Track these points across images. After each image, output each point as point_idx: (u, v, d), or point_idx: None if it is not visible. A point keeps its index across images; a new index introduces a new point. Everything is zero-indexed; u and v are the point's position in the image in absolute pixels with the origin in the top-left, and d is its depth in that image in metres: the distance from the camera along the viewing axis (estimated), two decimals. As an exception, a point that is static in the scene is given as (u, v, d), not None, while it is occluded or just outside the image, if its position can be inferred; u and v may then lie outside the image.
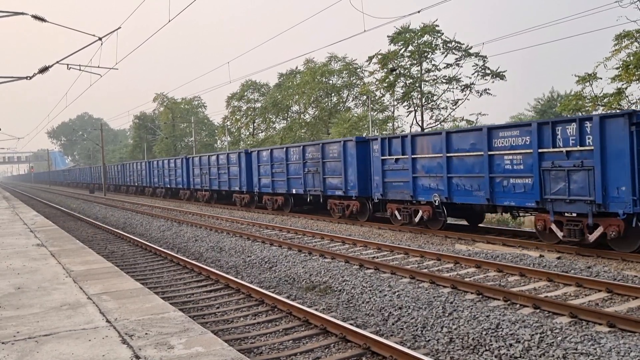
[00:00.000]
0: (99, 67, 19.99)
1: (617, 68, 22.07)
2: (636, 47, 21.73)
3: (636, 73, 21.14)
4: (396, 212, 17.19)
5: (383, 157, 17.35)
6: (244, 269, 12.14)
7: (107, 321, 5.50)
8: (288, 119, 48.47)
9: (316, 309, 8.11)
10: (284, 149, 24.16)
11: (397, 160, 16.93)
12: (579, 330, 6.77)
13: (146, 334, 5.02)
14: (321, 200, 21.52)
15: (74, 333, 5.15)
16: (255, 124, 53.38)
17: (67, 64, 19.23)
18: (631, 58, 21.40)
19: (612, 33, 28.19)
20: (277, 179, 24.25)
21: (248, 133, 54.29)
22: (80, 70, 19.72)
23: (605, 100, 22.71)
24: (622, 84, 21.96)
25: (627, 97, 22.30)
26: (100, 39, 16.57)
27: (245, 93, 52.78)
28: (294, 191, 23.18)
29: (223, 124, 56.29)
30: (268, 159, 24.97)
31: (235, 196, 29.25)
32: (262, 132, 52.51)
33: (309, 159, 21.88)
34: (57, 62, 18.05)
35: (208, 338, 4.90)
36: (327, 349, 6.58)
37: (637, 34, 21.55)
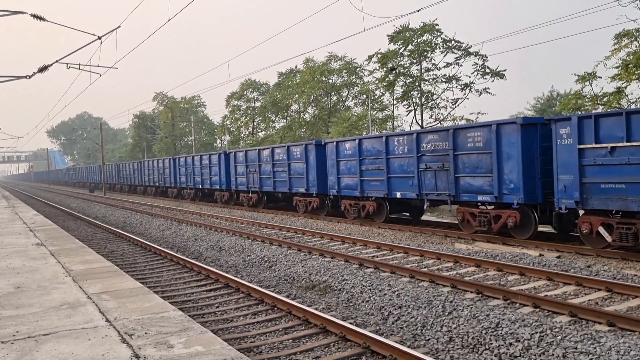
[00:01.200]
0: (98, 66, 20.01)
1: (616, 67, 22.07)
2: (636, 46, 21.73)
3: (636, 72, 21.14)
4: (348, 207, 19.09)
5: (338, 159, 19.42)
6: (243, 268, 12.14)
7: (107, 320, 5.50)
8: (288, 118, 48.46)
9: (316, 308, 8.11)
10: (257, 150, 26.04)
11: (347, 161, 18.99)
12: (578, 329, 6.77)
13: (146, 333, 5.02)
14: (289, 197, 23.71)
15: (73, 332, 5.14)
16: (254, 123, 53.36)
17: (67, 63, 19.23)
18: (631, 57, 21.40)
19: (612, 32, 28.21)
20: (251, 178, 26.25)
21: (248, 132, 54.28)
22: (79, 69, 19.72)
23: (605, 99, 22.72)
24: (622, 83, 21.96)
25: (627, 96, 22.31)
26: (99, 38, 16.56)
27: (245, 92, 52.76)
28: (265, 189, 25.17)
29: (222, 123, 56.28)
30: (244, 159, 26.91)
31: (217, 194, 31.22)
32: (261, 131, 52.50)
33: (277, 160, 23.75)
34: (57, 61, 18.04)
35: (208, 337, 4.89)
36: (326, 348, 6.58)
37: (637, 33, 21.55)
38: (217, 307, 8.75)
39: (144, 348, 4.59)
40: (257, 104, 52.58)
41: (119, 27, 16.44)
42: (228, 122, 54.74)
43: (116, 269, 8.62)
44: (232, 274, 11.07)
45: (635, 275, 9.49)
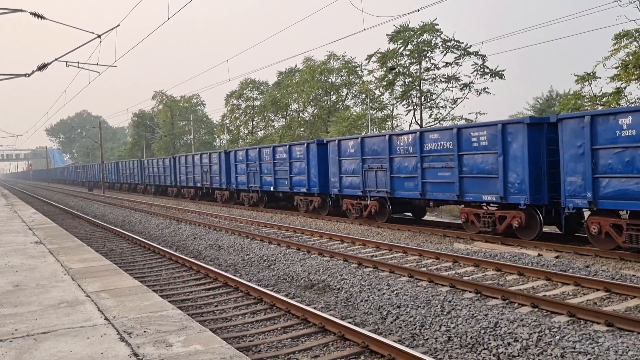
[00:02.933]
0: (97, 64, 19.99)
1: (616, 67, 22.09)
2: (635, 47, 21.75)
3: (635, 72, 21.15)
4: (350, 207, 19.09)
5: (340, 158, 19.34)
6: (242, 267, 12.14)
7: (106, 319, 5.50)
8: (287, 117, 48.45)
9: (315, 308, 8.12)
10: (257, 149, 25.87)
11: (350, 160, 18.98)
12: (577, 329, 6.78)
13: (145, 331, 5.02)
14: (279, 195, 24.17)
15: (72, 331, 5.14)
16: (254, 122, 53.35)
17: (66, 62, 19.22)
18: (630, 57, 21.42)
19: (612, 32, 28.22)
20: (252, 177, 26.12)
21: (247, 131, 54.26)
22: (79, 67, 19.71)
23: (604, 99, 22.74)
24: (621, 84, 21.98)
25: (626, 96, 22.34)
26: (99, 36, 16.55)
27: (244, 91, 52.74)
28: (265, 188, 25.02)
29: (222, 122, 56.26)
30: (244, 158, 26.77)
31: (217, 193, 30.95)
32: (261, 130, 52.49)
33: (278, 160, 23.64)
34: (56, 59, 18.02)
35: (206, 336, 4.90)
36: (325, 348, 6.58)
37: (636, 34, 21.57)
38: (216, 306, 8.75)
39: (143, 346, 4.59)
40: (257, 103, 52.57)
41: (118, 25, 16.44)
42: (227, 121, 54.72)
43: (115, 267, 8.62)
44: (231, 273, 11.07)
45: (634, 275, 9.50)
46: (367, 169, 18.05)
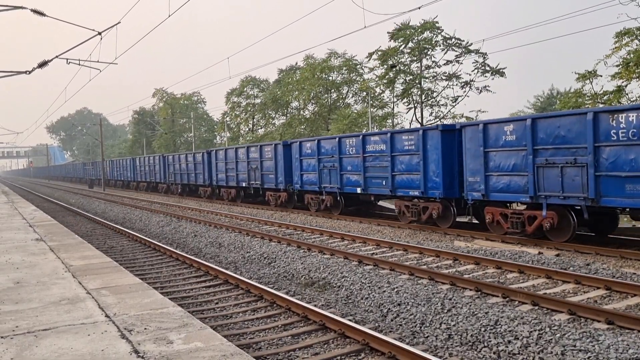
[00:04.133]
0: (98, 61, 19.97)
1: (617, 65, 22.08)
2: (636, 45, 21.72)
3: (636, 71, 21.14)
4: (310, 201, 21.40)
5: (301, 158, 21.70)
6: (243, 264, 12.14)
7: (106, 316, 5.50)
8: (287, 115, 48.44)
9: (315, 305, 8.12)
10: (234, 149, 28.44)
11: (308, 159, 21.31)
12: (577, 327, 6.78)
13: (145, 329, 5.02)
14: (260, 192, 25.81)
15: (73, 328, 5.15)
16: (254, 120, 53.35)
17: (67, 59, 19.19)
18: (631, 56, 21.40)
19: (613, 30, 28.16)
20: (230, 174, 28.51)
21: (247, 129, 54.26)
22: (79, 65, 19.70)
23: (605, 97, 22.71)
24: (622, 82, 21.96)
25: (627, 94, 22.31)
26: (99, 33, 16.53)
27: (245, 89, 52.73)
28: (241, 184, 27.45)
29: (222, 119, 56.24)
30: (223, 157, 29.15)
31: (201, 189, 33.39)
32: (261, 128, 52.50)
33: (252, 158, 25.95)
34: (57, 56, 18.01)
35: (207, 333, 4.90)
36: (325, 345, 6.58)
37: (638, 32, 21.54)
38: (217, 303, 8.76)
39: (144, 343, 4.60)
40: (257, 100, 52.57)
41: (119, 22, 16.41)
42: (228, 118, 54.72)
43: (115, 264, 8.63)
44: (231, 270, 11.08)
45: (634, 273, 9.50)
46: (322, 168, 20.52)
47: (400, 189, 16.86)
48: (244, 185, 26.61)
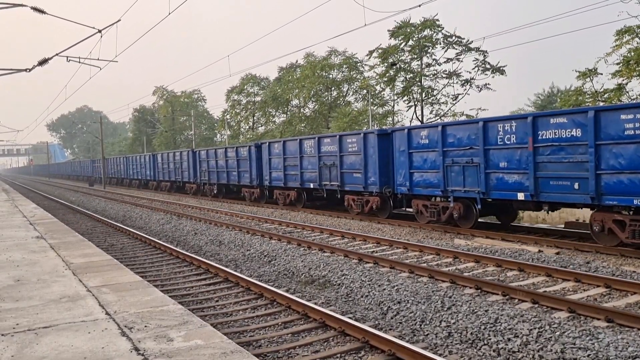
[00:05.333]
0: (98, 59, 19.96)
1: (617, 64, 22.05)
2: (637, 43, 21.69)
3: (637, 69, 21.11)
4: (279, 196, 23.79)
5: (270, 157, 24.19)
6: (243, 262, 12.15)
7: (107, 313, 5.51)
8: (288, 113, 48.42)
9: (315, 303, 8.13)
10: (214, 150, 31.21)
11: (276, 159, 23.82)
12: (577, 325, 6.79)
13: (145, 326, 5.03)
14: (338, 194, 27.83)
15: (73, 325, 5.16)
16: (255, 118, 53.32)
17: (67, 57, 19.18)
18: (632, 54, 21.37)
19: (613, 28, 28.11)
20: (213, 172, 30.79)
21: (248, 127, 54.24)
22: (79, 62, 19.67)
23: (605, 95, 22.69)
24: (623, 80, 21.93)
25: (628, 92, 22.29)
26: (99, 31, 16.52)
27: (245, 87, 52.69)
28: (221, 181, 30.08)
29: (223, 117, 56.21)
30: (206, 156, 31.59)
31: (188, 186, 35.20)
32: (261, 126, 52.48)
33: (230, 158, 28.43)
34: (57, 54, 17.99)
35: (207, 331, 4.91)
36: (325, 343, 6.59)
37: (638, 30, 21.51)
38: (217, 301, 8.77)
39: (144, 341, 4.61)
40: (258, 98, 52.53)
41: (119, 20, 16.40)
42: (228, 116, 54.69)
43: (116, 262, 8.63)
44: (231, 268, 11.09)
45: (634, 271, 9.50)
46: (286, 166, 22.85)
47: (348, 185, 19.23)
48: (311, 186, 21.61)
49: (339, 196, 20.43)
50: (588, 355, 5.65)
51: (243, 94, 53.20)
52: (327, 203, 22.32)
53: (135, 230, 17.39)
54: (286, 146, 23.02)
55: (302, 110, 46.55)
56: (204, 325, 5.09)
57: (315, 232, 15.95)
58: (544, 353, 5.84)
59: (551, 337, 6.17)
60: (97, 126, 63.62)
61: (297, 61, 47.46)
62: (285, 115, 48.83)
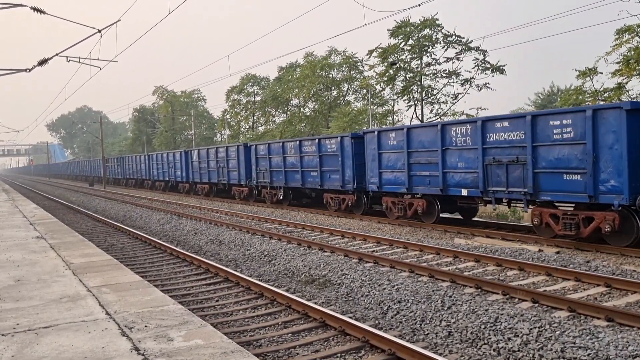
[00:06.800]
0: (98, 59, 19.95)
1: (617, 63, 22.03)
2: (637, 42, 21.68)
3: (637, 68, 21.09)
4: (266, 194, 25.20)
5: (257, 157, 25.50)
6: (243, 262, 12.15)
7: (107, 313, 5.51)
8: (288, 112, 48.39)
9: (315, 302, 8.13)
10: (197, 151, 33.15)
11: (262, 159, 25.35)
12: (577, 324, 6.79)
13: (146, 326, 5.03)
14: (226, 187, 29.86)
15: (73, 325, 5.16)
16: (255, 118, 53.30)
17: (67, 57, 19.17)
18: (632, 53, 21.35)
19: (613, 27, 28.10)
20: (204, 172, 32.03)
21: (248, 127, 54.22)
22: (79, 62, 19.67)
23: (605, 94, 22.67)
24: (623, 79, 21.92)
25: (628, 91, 22.28)
26: (99, 31, 16.52)
27: (245, 86, 52.66)
28: (212, 181, 31.39)
29: (223, 117, 56.19)
30: (197, 156, 32.93)
31: (181, 185, 36.43)
32: (261, 125, 52.45)
33: (220, 158, 29.65)
34: (57, 54, 17.99)
35: (207, 331, 4.91)
36: (326, 342, 6.59)
37: (638, 29, 21.49)
38: (217, 300, 8.77)
39: (144, 341, 4.61)
40: (257, 98, 52.51)
41: (119, 20, 16.40)
42: (228, 116, 54.67)
43: (116, 262, 8.63)
44: (231, 268, 11.09)
45: (635, 270, 9.51)
46: (271, 166, 24.32)
47: (326, 183, 20.55)
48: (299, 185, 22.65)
49: (314, 195, 22.54)
50: (588, 355, 5.65)
51: (243, 93, 53.18)
52: (311, 201, 23.63)
53: (135, 230, 17.39)
54: (271, 148, 24.54)
55: (302, 109, 46.53)
56: (204, 325, 5.09)
57: (316, 231, 15.95)
58: (544, 352, 5.84)
59: (551, 336, 6.17)
60: (97, 126, 63.62)
61: (297, 61, 47.45)
62: (285, 115, 48.80)
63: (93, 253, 9.56)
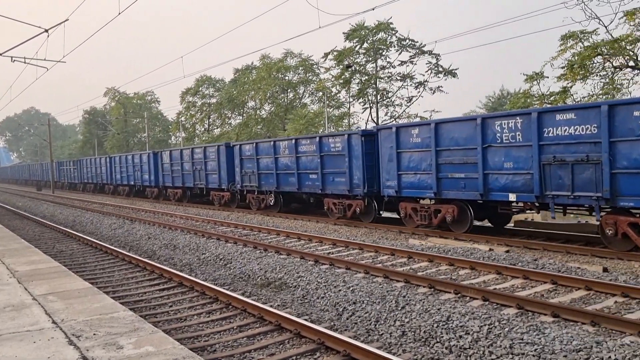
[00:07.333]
0: (45, 60, 19.30)
1: (562, 67, 22.89)
2: (580, 48, 22.58)
3: (580, 72, 21.96)
4: (252, 200, 23.19)
5: (242, 158, 23.31)
6: (198, 266, 11.98)
7: (53, 322, 5.34)
8: (244, 114, 48.07)
9: (271, 306, 8.10)
10: (168, 152, 30.76)
11: (248, 160, 23.30)
12: (525, 320, 7.00)
13: (94, 334, 4.90)
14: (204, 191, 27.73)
15: (17, 335, 4.97)
16: (210, 120, 52.71)
17: (11, 57, 18.50)
18: (576, 58, 22.23)
19: (559, 33, 29.20)
20: (177, 175, 29.54)
21: (203, 129, 53.55)
22: (25, 63, 18.99)
23: (551, 98, 23.51)
24: (568, 83, 22.78)
25: (572, 95, 23.16)
26: (46, 30, 15.99)
27: (200, 88, 52.02)
28: (187, 185, 28.88)
29: (177, 119, 55.31)
30: (168, 158, 30.55)
31: (148, 190, 34.17)
32: (217, 128, 51.91)
33: (197, 160, 27.17)
34: (1, 54, 17.31)
35: (159, 337, 4.82)
36: (281, 345, 6.58)
37: (582, 35, 22.40)
38: (170, 306, 8.61)
39: (92, 349, 4.48)
40: (213, 100, 51.95)
41: (67, 20, 15.91)
42: (183, 118, 53.87)
43: (64, 269, 8.37)
44: (186, 273, 10.91)
45: (579, 268, 9.88)
46: (260, 169, 22.23)
47: (329, 187, 18.23)
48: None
49: (312, 200, 21.50)
50: (535, 350, 5.84)
51: (198, 95, 52.52)
52: (302, 207, 22.74)
53: (85, 235, 16.89)
54: (260, 148, 22.32)
55: (258, 112, 46.31)
56: (155, 331, 5.00)
57: (272, 234, 15.89)
58: (494, 349, 6.01)
59: (500, 333, 6.35)
60: (45, 128, 61.47)
61: (252, 63, 47.22)
62: (241, 117, 48.46)
63: (40, 260, 9.23)
